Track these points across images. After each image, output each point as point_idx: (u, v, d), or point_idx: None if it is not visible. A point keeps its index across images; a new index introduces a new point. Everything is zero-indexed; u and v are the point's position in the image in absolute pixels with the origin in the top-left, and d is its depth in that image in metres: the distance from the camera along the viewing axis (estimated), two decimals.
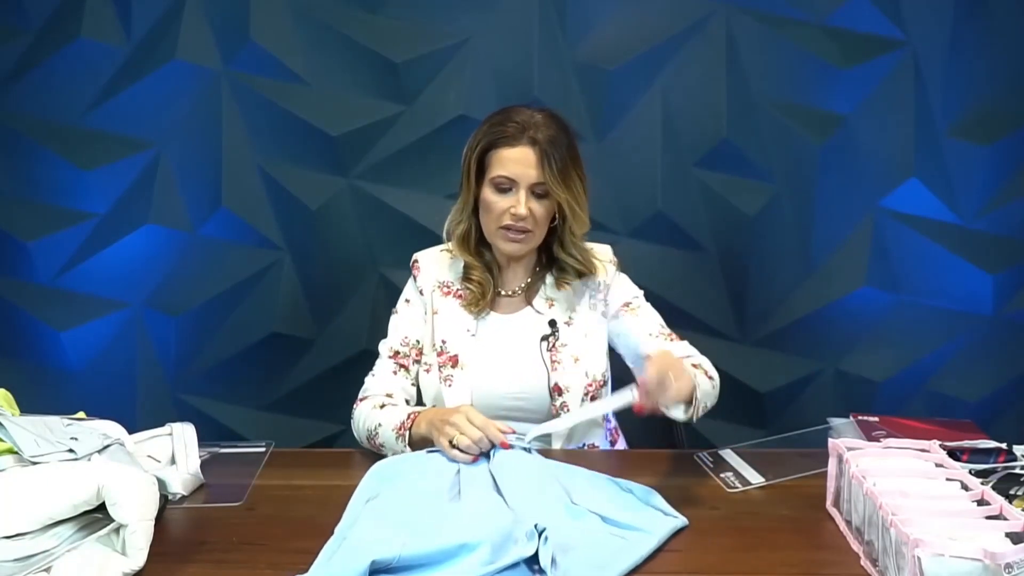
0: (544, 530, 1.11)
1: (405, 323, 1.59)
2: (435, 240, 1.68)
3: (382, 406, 1.48)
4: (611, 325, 1.58)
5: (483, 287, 1.54)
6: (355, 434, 1.52)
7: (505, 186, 1.47)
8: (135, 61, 2.10)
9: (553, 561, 1.06)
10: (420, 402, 1.58)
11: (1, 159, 2.13)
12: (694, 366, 1.43)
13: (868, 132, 2.13)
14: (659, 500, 1.25)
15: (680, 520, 1.21)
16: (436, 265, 1.61)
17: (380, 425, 1.45)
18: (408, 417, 1.43)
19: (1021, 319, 2.22)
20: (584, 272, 1.57)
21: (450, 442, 1.31)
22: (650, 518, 1.21)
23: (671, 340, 1.54)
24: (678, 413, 1.32)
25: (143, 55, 2.09)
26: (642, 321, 1.57)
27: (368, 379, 1.57)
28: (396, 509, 1.19)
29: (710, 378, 1.45)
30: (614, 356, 1.62)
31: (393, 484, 1.27)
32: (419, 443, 1.41)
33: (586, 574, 1.06)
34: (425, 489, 1.24)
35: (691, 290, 2.18)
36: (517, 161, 1.45)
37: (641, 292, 1.63)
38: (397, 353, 1.56)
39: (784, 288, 2.21)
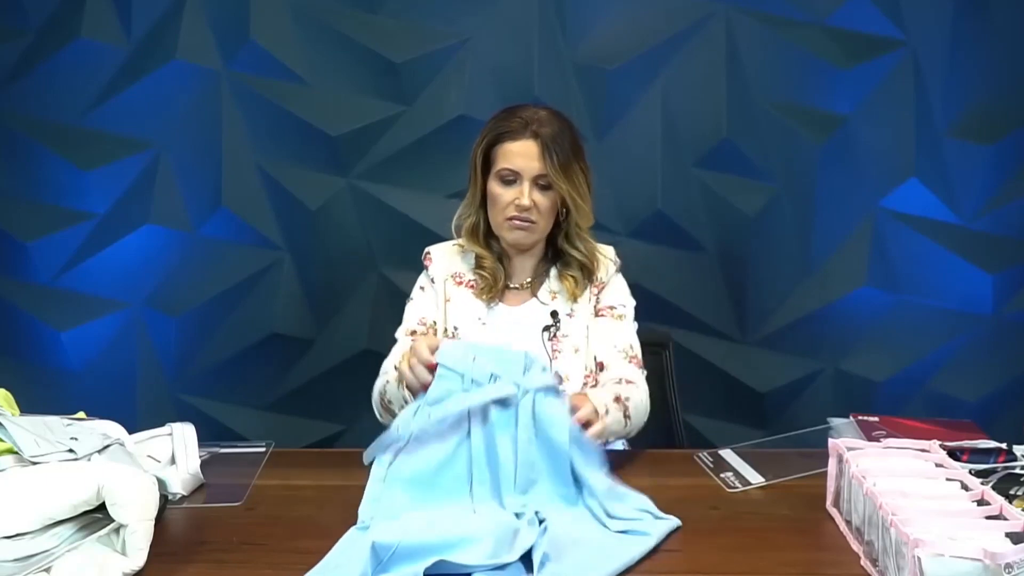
0: (544, 520, 1.12)
1: (421, 306, 1.61)
2: (435, 240, 1.69)
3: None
4: (594, 321, 1.60)
5: (495, 275, 1.57)
6: (376, 413, 1.53)
7: (510, 178, 1.51)
8: (135, 61, 2.10)
9: (542, 563, 1.07)
10: None
11: (1, 159, 2.13)
12: (616, 399, 1.43)
13: (868, 132, 2.14)
14: (650, 505, 1.26)
15: (673, 521, 1.22)
16: (448, 257, 1.64)
17: (388, 383, 1.46)
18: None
19: (1021, 319, 2.21)
20: (587, 266, 1.59)
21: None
22: (644, 513, 1.22)
23: (630, 361, 1.55)
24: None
25: (143, 55, 2.10)
26: (617, 332, 1.58)
27: (386, 361, 1.57)
28: (416, 502, 1.21)
29: (626, 417, 1.44)
30: None
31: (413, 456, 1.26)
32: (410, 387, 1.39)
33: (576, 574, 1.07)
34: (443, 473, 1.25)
35: (691, 290, 2.18)
36: (520, 154, 1.49)
37: (633, 303, 1.63)
38: (414, 332, 1.58)
39: (784, 288, 2.21)
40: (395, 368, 1.44)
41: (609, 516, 1.21)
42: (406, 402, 1.39)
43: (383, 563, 1.04)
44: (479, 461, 1.25)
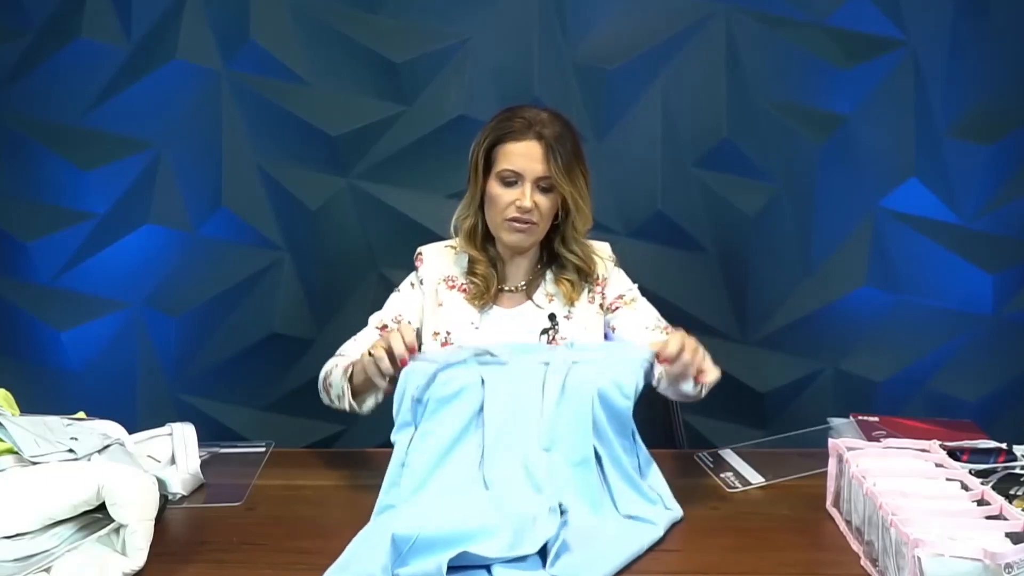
0: (566, 512, 1.14)
1: (402, 303, 1.62)
2: (435, 240, 1.69)
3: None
4: (608, 318, 1.60)
5: (487, 281, 1.57)
6: (319, 388, 1.56)
7: (511, 179, 1.50)
8: (135, 61, 2.10)
9: (557, 555, 1.07)
10: None
11: (1, 159, 2.13)
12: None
13: (868, 132, 2.13)
14: (665, 488, 1.28)
15: (676, 512, 1.23)
16: (440, 259, 1.63)
17: (336, 366, 1.49)
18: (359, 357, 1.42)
19: (1021, 319, 2.21)
20: (583, 268, 1.59)
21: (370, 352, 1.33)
22: (657, 497, 1.25)
23: (666, 333, 1.54)
24: (688, 387, 1.37)
25: (143, 55, 2.09)
26: (639, 316, 1.58)
27: (348, 342, 1.59)
28: (431, 490, 1.22)
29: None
30: None
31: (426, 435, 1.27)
32: (359, 380, 1.42)
33: (586, 567, 1.08)
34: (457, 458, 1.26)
35: (691, 290, 2.18)
36: (523, 155, 1.49)
37: (636, 285, 1.64)
38: (385, 327, 1.58)
39: (784, 288, 2.21)
40: (359, 357, 1.42)
41: (632, 487, 1.23)
42: (343, 393, 1.43)
43: (403, 555, 1.05)
44: (493, 429, 1.27)
